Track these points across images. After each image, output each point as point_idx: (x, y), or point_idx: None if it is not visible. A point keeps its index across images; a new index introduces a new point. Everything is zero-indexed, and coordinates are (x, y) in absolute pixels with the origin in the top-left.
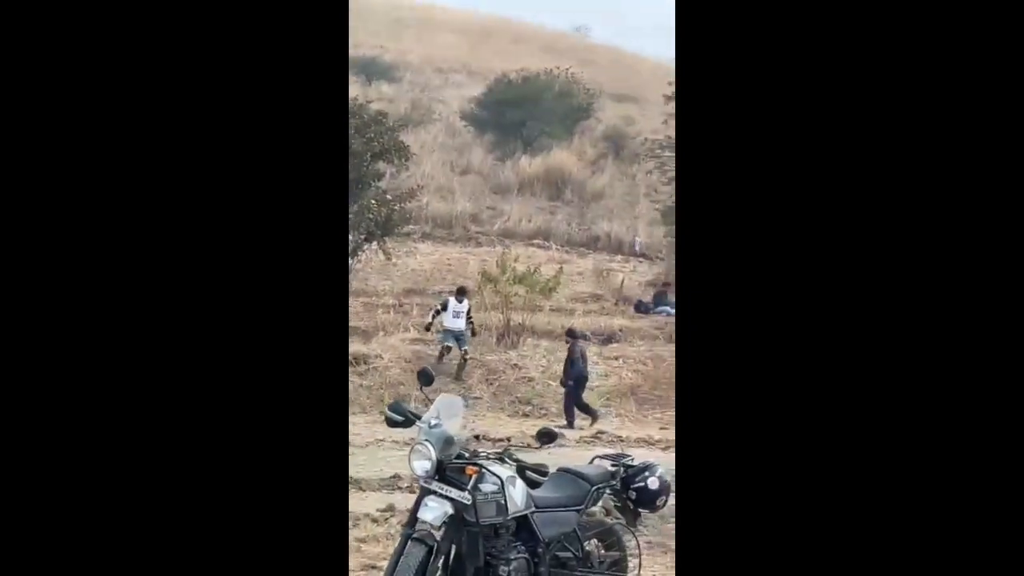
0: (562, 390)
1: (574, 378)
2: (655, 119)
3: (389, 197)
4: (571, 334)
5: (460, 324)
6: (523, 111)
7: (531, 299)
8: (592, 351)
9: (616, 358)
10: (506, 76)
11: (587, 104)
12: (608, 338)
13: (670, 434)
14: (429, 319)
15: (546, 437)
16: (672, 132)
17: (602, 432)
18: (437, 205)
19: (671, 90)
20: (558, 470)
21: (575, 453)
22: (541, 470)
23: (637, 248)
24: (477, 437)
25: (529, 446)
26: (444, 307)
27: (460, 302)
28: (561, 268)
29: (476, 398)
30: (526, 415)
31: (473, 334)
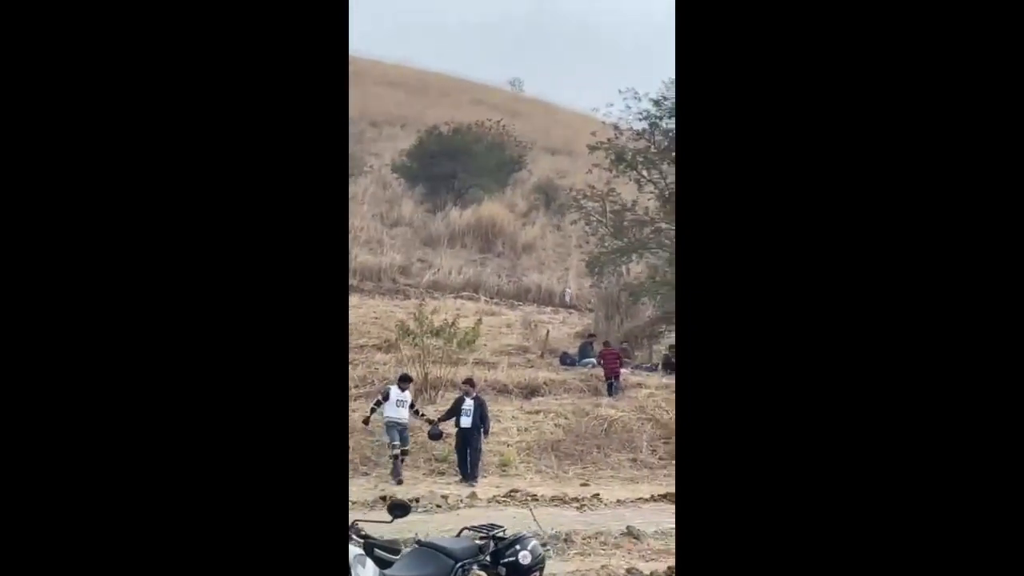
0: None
1: (485, 429)
2: (586, 170)
3: None
4: (469, 383)
5: (404, 414)
6: (454, 163)
7: (449, 352)
8: (513, 405)
9: (537, 412)
10: (436, 128)
11: (518, 156)
12: (531, 391)
13: (590, 491)
14: (369, 412)
15: (398, 510)
16: (595, 182)
17: (515, 490)
18: (365, 257)
19: (594, 140)
20: (416, 544)
21: (483, 513)
22: (392, 547)
23: (567, 299)
24: (383, 498)
25: (439, 507)
26: (386, 396)
27: (403, 390)
28: (480, 320)
29: (392, 456)
30: (441, 473)
31: (424, 417)
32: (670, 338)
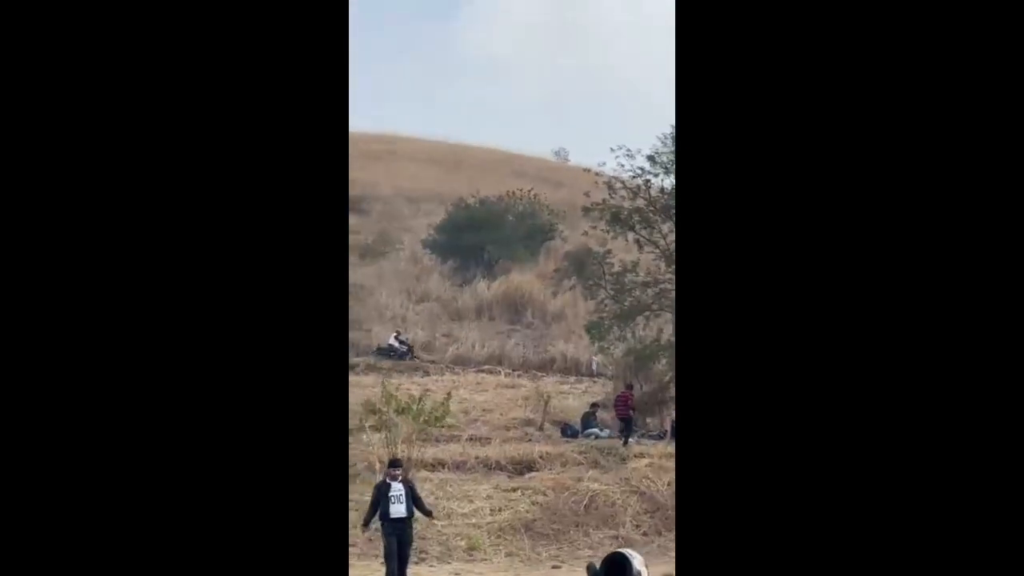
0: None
1: (426, 512)
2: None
3: None
4: (395, 464)
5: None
6: (483, 234)
7: (423, 429)
8: (491, 483)
9: (514, 489)
10: (463, 201)
11: (551, 225)
12: (527, 467)
13: (556, 574)
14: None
15: None
16: (592, 243)
17: None
18: (387, 335)
19: (588, 201)
20: None
21: None
22: None
23: (594, 368)
24: None
25: None
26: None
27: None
28: (449, 394)
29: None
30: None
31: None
32: None
